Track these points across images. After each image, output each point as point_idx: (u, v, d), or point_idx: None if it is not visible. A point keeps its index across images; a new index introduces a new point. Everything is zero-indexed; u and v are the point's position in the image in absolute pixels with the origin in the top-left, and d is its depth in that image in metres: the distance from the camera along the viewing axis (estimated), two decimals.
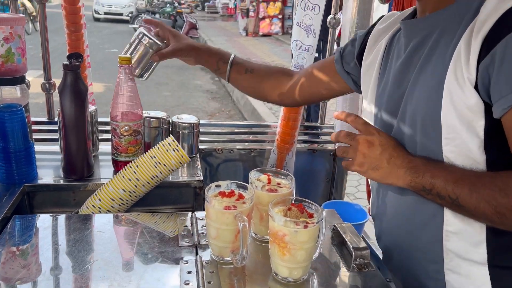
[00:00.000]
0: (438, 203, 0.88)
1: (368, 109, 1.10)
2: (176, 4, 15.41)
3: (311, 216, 0.87)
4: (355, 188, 3.59)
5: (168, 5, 14.46)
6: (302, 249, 0.84)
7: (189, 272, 0.87)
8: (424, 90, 0.89)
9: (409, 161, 0.89)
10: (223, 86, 8.06)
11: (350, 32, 1.42)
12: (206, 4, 26.07)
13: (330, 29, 1.55)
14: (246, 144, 1.60)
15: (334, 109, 1.67)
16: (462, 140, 0.84)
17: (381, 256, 1.31)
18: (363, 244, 0.96)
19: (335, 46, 1.62)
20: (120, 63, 1.23)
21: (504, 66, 0.77)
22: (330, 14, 1.53)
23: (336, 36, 1.56)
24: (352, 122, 0.94)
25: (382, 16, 1.13)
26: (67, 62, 1.16)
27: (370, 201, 1.19)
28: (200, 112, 6.34)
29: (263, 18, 13.84)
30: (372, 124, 1.07)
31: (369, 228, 1.36)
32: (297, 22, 1.37)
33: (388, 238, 1.07)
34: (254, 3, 14.20)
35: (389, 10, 1.53)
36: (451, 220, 0.89)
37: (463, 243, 0.89)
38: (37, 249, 0.95)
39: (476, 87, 0.81)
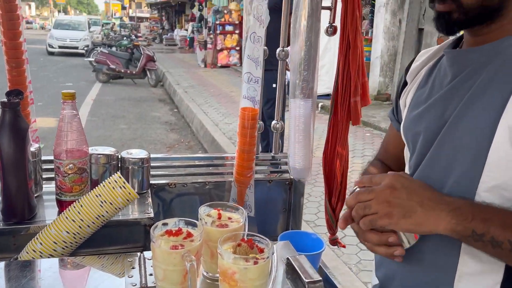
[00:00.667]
0: (488, 251, 0.78)
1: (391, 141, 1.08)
2: (133, 37, 15.39)
3: (261, 251, 0.84)
4: (315, 215, 3.60)
5: (124, 38, 14.41)
6: (253, 286, 0.81)
7: None
8: (473, 122, 0.84)
9: (448, 203, 0.80)
10: (182, 117, 8.03)
11: (298, 63, 1.45)
12: (164, 36, 26.20)
13: (279, 60, 1.57)
14: (200, 177, 1.57)
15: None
16: (505, 179, 0.80)
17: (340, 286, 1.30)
18: (317, 277, 0.95)
19: (288, 76, 1.64)
20: (64, 99, 1.19)
21: None
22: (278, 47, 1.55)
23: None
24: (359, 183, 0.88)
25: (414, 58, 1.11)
26: (5, 100, 1.11)
27: None
28: (158, 144, 6.25)
29: (221, 49, 14.03)
30: (393, 156, 1.06)
31: (327, 257, 1.34)
32: (248, 55, 1.38)
33: (390, 270, 1.01)
34: (211, 36, 14.41)
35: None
36: (468, 260, 0.84)
37: (476, 286, 0.84)
38: None
39: None
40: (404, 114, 1.06)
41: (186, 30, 22.40)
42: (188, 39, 20.24)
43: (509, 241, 0.75)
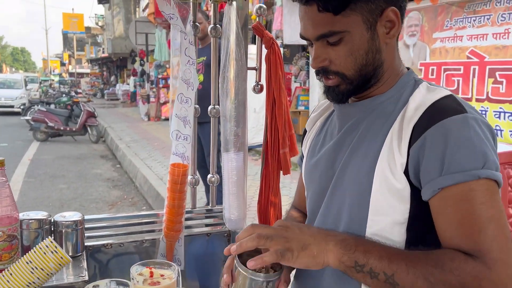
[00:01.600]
0: (367, 282, 0.85)
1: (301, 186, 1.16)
2: (73, 94, 15.14)
3: None
4: None
5: (64, 95, 14.14)
6: None
7: None
8: (355, 172, 0.95)
9: (335, 235, 0.89)
10: (125, 173, 7.87)
11: (229, 119, 1.54)
12: (105, 91, 25.97)
13: (211, 117, 1.66)
14: (137, 235, 1.58)
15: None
16: (386, 222, 0.90)
17: None
18: None
19: (221, 134, 1.72)
20: None
21: (433, 151, 0.84)
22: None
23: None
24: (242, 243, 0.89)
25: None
26: None
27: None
28: (100, 202, 6.06)
29: (164, 103, 14.10)
30: (305, 200, 1.14)
31: None
32: (175, 114, 1.45)
33: None
34: (154, 90, 14.49)
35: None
36: None
37: None
38: None
39: (406, 171, 0.88)
40: (304, 162, 1.17)
41: (128, 84, 22.39)
42: (131, 93, 20.22)
43: (384, 272, 0.83)
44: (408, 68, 1.03)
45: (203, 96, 1.64)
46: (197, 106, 1.54)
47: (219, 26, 1.58)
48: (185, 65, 1.46)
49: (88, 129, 10.94)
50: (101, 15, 32.98)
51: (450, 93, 0.92)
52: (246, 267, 0.89)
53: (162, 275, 1.01)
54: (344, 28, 0.92)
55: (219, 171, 1.77)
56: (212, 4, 1.60)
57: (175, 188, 1.46)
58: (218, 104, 1.65)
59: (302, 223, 1.19)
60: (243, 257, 0.91)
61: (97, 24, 33.75)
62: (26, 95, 19.50)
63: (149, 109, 14.26)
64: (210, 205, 1.73)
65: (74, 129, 10.84)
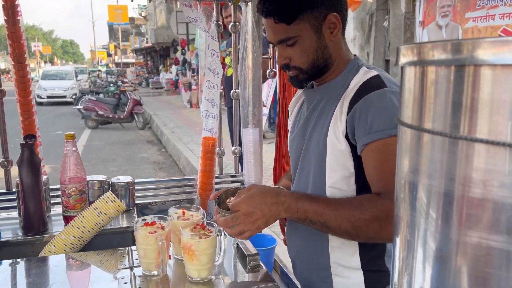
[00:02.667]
0: (312, 227, 1.15)
1: None
2: (120, 83, 15.90)
3: (210, 231, 1.23)
4: None
5: (111, 84, 14.92)
6: (205, 254, 1.19)
7: (125, 283, 1.20)
8: (315, 141, 1.26)
9: (281, 204, 1.14)
10: (170, 156, 8.39)
11: (247, 101, 1.87)
12: (150, 80, 26.86)
13: (233, 100, 2.01)
14: (176, 195, 1.96)
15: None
16: (339, 176, 1.20)
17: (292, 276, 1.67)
18: (254, 251, 1.33)
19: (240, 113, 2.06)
20: (66, 139, 1.59)
21: (360, 118, 1.11)
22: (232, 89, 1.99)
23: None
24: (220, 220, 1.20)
25: None
26: (24, 142, 1.51)
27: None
28: None
29: None
30: (290, 164, 1.45)
31: (286, 255, 1.70)
32: (205, 97, 1.81)
33: (292, 253, 1.43)
34: (195, 77, 14.99)
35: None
36: (333, 238, 1.23)
37: (343, 254, 1.24)
38: None
39: (346, 136, 1.17)
40: (288, 138, 1.49)
41: (171, 73, 23.08)
42: (175, 80, 20.87)
43: (319, 221, 1.12)
44: (354, 55, 1.30)
45: (232, 84, 2.00)
46: (221, 91, 1.89)
47: (238, 23, 1.91)
48: (211, 57, 1.80)
49: (135, 116, 11.56)
50: (144, 6, 33.89)
51: (378, 73, 1.19)
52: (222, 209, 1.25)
53: (191, 215, 1.37)
54: (296, 33, 1.19)
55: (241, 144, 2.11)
56: (232, 6, 1.93)
57: (207, 157, 1.82)
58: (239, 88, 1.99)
59: (285, 187, 1.50)
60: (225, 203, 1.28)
61: (140, 14, 34.70)
62: (77, 85, 20.56)
63: (191, 96, 14.80)
64: (234, 171, 2.08)
65: (122, 117, 11.50)
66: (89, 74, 28.39)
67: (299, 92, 1.49)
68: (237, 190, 1.29)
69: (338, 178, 1.21)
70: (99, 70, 32.83)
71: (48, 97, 18.86)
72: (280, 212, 1.15)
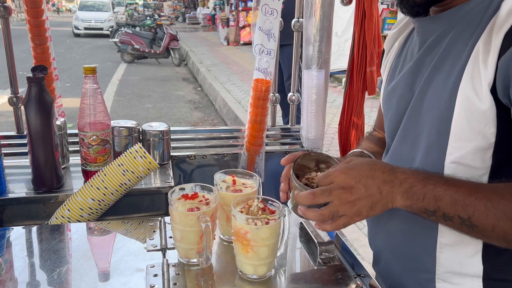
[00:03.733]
0: (442, 223, 0.80)
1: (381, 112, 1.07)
2: (156, 17, 15.43)
3: (272, 212, 0.88)
4: None
5: (148, 18, 14.47)
6: (264, 245, 0.86)
7: (155, 275, 0.88)
8: (436, 93, 0.85)
9: (400, 183, 0.79)
10: (206, 95, 8.09)
11: (313, 34, 1.45)
12: (187, 15, 26.14)
13: (294, 32, 1.59)
14: (219, 149, 1.62)
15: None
16: (468, 149, 0.81)
17: (356, 253, 1.34)
18: (328, 239, 0.99)
19: (302, 50, 1.65)
20: (85, 73, 1.24)
21: None
22: (293, 18, 1.56)
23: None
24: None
25: None
26: (31, 75, 1.17)
27: None
28: (183, 122, 6.34)
29: (244, 27, 13.92)
30: (385, 125, 1.04)
31: (348, 229, 1.37)
32: (259, 27, 1.40)
33: (380, 242, 1.05)
34: (234, 13, 14.30)
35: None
36: (445, 232, 0.86)
37: (457, 255, 0.87)
38: (10, 263, 0.95)
39: (493, 88, 0.76)
40: (382, 87, 1.07)
41: (208, 8, 22.29)
42: (212, 16, 20.16)
43: (459, 216, 0.75)
44: None
45: (285, 16, 1.54)
46: (281, 19, 1.47)
47: None
48: None
49: (171, 52, 11.23)
50: None
51: None
52: (298, 179, 0.88)
53: (244, 184, 1.03)
54: None
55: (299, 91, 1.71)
56: None
57: (258, 104, 1.44)
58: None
59: (375, 156, 1.10)
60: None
61: None
62: (113, 18, 20.26)
63: (228, 33, 14.19)
64: (289, 124, 1.71)
65: (158, 52, 11.18)
66: (126, 6, 27.93)
67: (402, 22, 1.06)
68: (322, 156, 0.91)
69: (470, 151, 0.81)
70: (136, 3, 32.28)
71: (86, 28, 18.65)
72: (395, 195, 0.79)
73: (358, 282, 0.92)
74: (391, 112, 1.00)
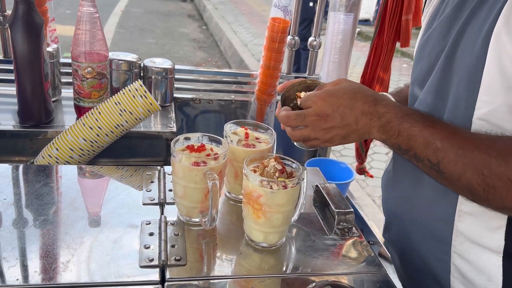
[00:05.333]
0: (414, 163, 0.76)
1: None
2: None
3: (290, 175, 0.76)
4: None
5: None
6: (279, 212, 0.74)
7: (151, 234, 0.77)
8: (470, 40, 0.74)
9: (379, 117, 0.76)
10: (211, 35, 7.78)
11: None
12: None
13: None
14: (226, 94, 1.48)
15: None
16: (499, 104, 0.70)
17: (367, 218, 1.24)
18: (348, 208, 0.87)
19: None
20: None
21: None
22: None
23: None
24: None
25: None
26: None
27: (387, 164, 1.06)
28: (185, 61, 6.11)
29: None
30: (413, 76, 0.93)
31: (354, 187, 1.27)
32: None
33: (393, 206, 0.96)
34: None
35: None
36: (467, 200, 0.76)
37: (478, 227, 0.77)
38: None
39: None
40: (419, 37, 0.94)
41: None
42: None
43: (428, 159, 0.72)
44: None
45: None
46: None
47: None
48: None
49: None
50: None
51: None
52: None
53: (257, 138, 0.90)
54: None
55: (302, 45, 1.55)
56: None
57: (273, 47, 1.29)
58: None
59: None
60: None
61: None
62: None
63: None
64: (307, 72, 1.55)
65: None
66: None
67: None
68: (316, 85, 0.90)
69: (499, 106, 0.69)
70: None
71: None
72: (372, 128, 0.77)
73: (379, 263, 0.81)
74: (422, 62, 0.87)
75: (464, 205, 0.78)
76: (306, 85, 0.91)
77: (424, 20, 0.95)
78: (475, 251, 0.79)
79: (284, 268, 0.77)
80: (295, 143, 0.90)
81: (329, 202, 0.89)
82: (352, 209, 0.87)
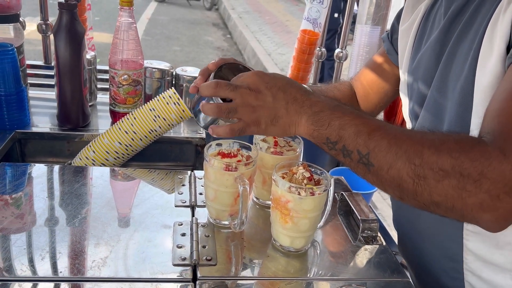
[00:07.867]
0: (341, 161, 0.71)
1: (402, 79, 0.98)
2: None
3: (318, 183, 0.79)
4: None
5: None
6: (306, 217, 0.77)
7: (183, 235, 0.81)
8: (461, 61, 0.77)
9: (310, 105, 0.72)
10: (235, 44, 7.87)
11: None
12: None
13: None
14: None
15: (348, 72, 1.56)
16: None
17: (389, 229, 1.25)
18: (372, 216, 0.90)
19: (356, 6, 1.49)
20: (121, 5, 1.13)
21: None
22: None
23: None
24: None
25: None
26: (62, 1, 1.06)
27: None
28: None
29: None
30: (407, 95, 0.96)
31: (377, 197, 1.29)
32: None
33: (404, 226, 0.98)
34: None
35: None
36: None
37: (486, 245, 0.78)
38: (25, 200, 0.89)
39: (509, 45, 0.68)
40: (408, 54, 0.95)
41: None
42: None
43: (358, 150, 0.67)
44: None
45: None
46: None
47: None
48: None
49: None
50: None
51: None
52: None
53: (286, 146, 0.93)
54: None
55: (326, 56, 1.57)
56: None
57: (302, 58, 1.32)
58: None
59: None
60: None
61: None
62: None
63: None
64: (333, 83, 1.58)
65: None
66: None
67: None
68: (248, 70, 0.83)
69: None
70: None
71: None
72: (302, 116, 0.71)
73: (403, 272, 0.83)
74: (418, 84, 0.89)
75: (469, 225, 0.78)
76: (241, 66, 0.86)
77: (403, 45, 0.98)
78: (487, 269, 0.79)
79: (309, 272, 0.80)
80: (200, 120, 0.83)
81: (354, 210, 0.91)
82: (376, 218, 0.89)
